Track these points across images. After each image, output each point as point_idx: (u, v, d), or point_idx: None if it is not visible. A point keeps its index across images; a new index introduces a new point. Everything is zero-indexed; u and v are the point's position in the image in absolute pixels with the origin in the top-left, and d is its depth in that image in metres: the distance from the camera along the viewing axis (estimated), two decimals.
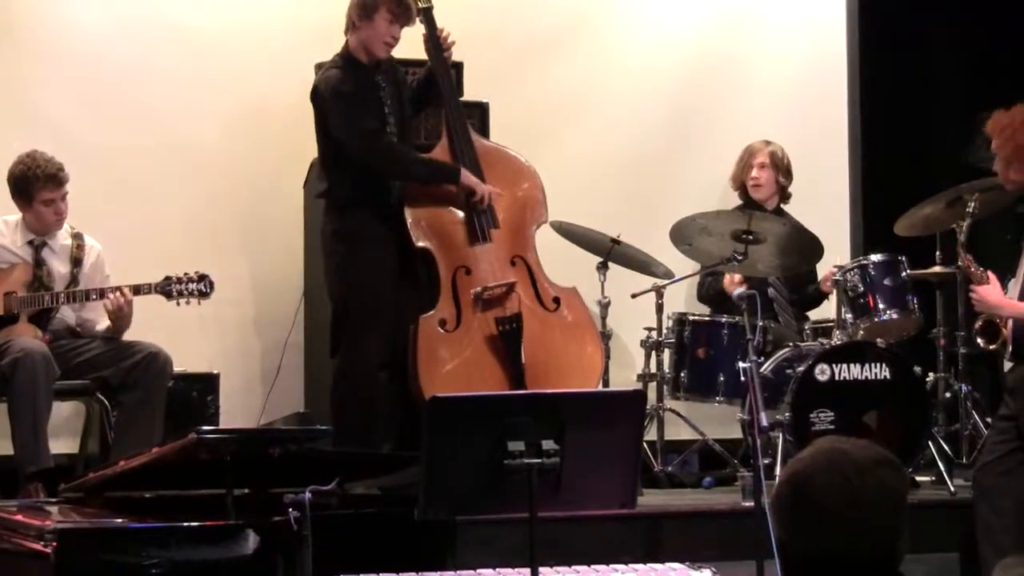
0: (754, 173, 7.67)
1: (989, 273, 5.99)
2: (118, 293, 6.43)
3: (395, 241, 6.68)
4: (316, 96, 6.65)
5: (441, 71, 6.86)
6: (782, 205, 7.73)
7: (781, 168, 7.71)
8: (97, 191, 7.16)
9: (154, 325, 6.71)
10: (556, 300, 6.86)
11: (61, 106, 7.40)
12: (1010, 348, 5.85)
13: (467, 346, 6.70)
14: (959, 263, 6.52)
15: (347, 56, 6.68)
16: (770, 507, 2.96)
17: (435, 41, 6.85)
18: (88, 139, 7.35)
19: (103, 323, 6.59)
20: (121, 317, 6.48)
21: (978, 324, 6.06)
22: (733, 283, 7.36)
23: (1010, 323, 5.85)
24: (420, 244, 6.70)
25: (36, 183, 6.52)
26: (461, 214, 6.76)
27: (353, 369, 6.60)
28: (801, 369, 6.66)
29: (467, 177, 6.73)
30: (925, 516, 6.07)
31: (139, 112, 7.53)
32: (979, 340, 6.10)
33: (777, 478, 5.91)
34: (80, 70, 7.48)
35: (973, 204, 6.44)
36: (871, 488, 2.81)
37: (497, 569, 3.98)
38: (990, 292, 5.94)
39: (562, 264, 7.11)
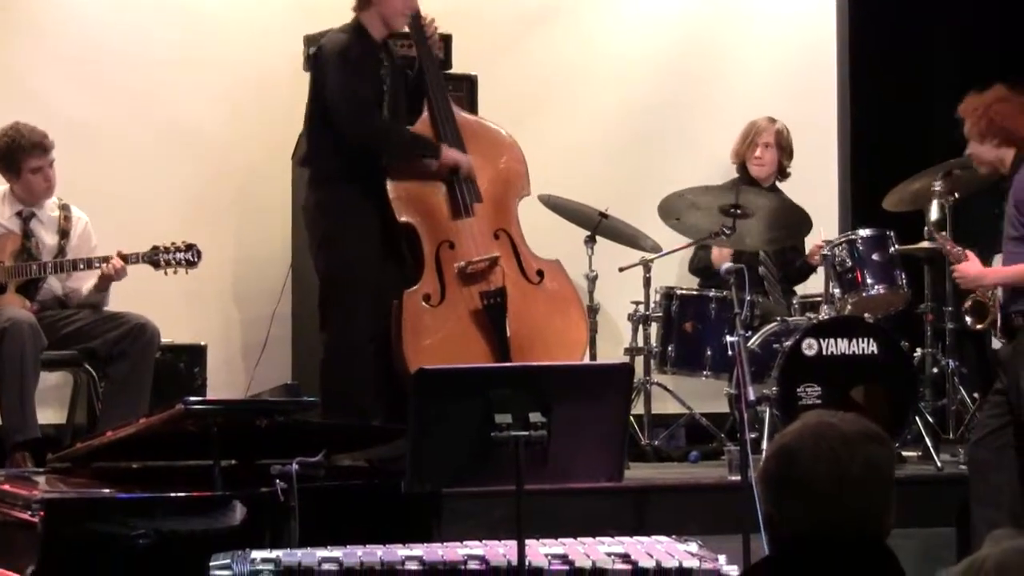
0: (758, 152, 7.59)
1: (967, 251, 6.01)
2: (112, 261, 6.42)
3: (379, 214, 6.65)
4: (318, 57, 6.60)
5: (420, 43, 6.79)
6: (777, 183, 7.70)
7: (785, 148, 7.65)
8: (86, 166, 7.14)
9: (142, 297, 6.70)
10: (540, 273, 6.85)
11: (51, 82, 7.37)
12: (999, 325, 5.86)
13: (451, 320, 6.69)
14: (931, 242, 6.49)
15: (358, 27, 6.61)
16: (757, 481, 2.97)
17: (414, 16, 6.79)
18: (77, 115, 7.32)
19: (89, 284, 6.57)
20: (106, 286, 6.49)
21: (967, 303, 6.07)
22: (721, 256, 7.35)
23: (998, 302, 5.87)
24: (403, 219, 6.68)
25: (23, 152, 6.50)
26: (444, 188, 6.74)
27: (342, 342, 6.58)
28: (788, 344, 6.65)
29: (449, 152, 6.71)
30: (911, 491, 6.09)
31: (128, 88, 7.51)
32: (968, 320, 6.11)
33: (764, 452, 5.92)
34: (72, 47, 7.46)
35: (941, 185, 6.45)
36: (858, 462, 2.81)
37: (483, 541, 3.98)
38: (970, 266, 5.97)
39: (550, 238, 7.11)
